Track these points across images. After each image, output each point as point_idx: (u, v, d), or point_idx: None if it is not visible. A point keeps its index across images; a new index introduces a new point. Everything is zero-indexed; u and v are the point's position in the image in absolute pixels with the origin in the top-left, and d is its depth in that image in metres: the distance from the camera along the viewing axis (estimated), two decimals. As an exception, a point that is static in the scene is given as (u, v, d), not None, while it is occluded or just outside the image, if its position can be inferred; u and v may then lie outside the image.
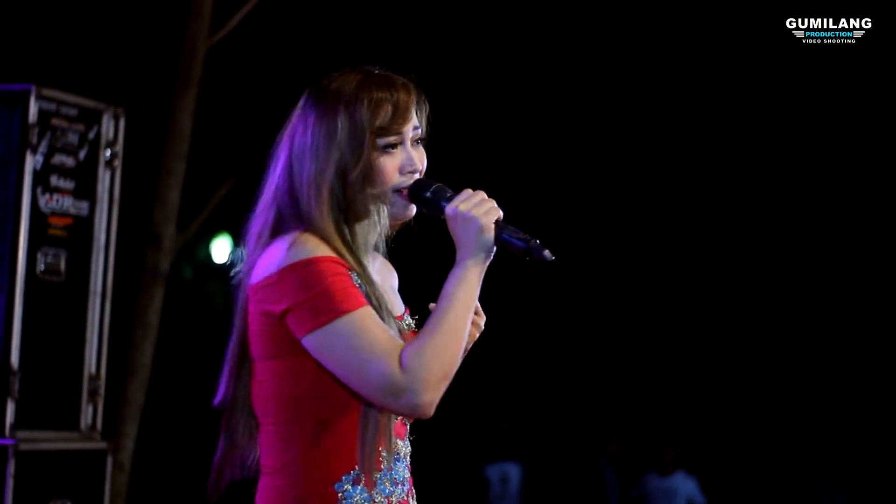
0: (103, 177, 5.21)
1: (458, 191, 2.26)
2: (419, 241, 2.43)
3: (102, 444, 5.15)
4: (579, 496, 11.41)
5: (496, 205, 2.20)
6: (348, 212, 2.24)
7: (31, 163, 4.89)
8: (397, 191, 2.27)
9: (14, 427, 4.82)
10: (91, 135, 5.15)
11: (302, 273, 2.14)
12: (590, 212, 12.89)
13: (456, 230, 2.20)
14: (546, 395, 12.72)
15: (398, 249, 2.41)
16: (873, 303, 12.86)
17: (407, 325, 2.35)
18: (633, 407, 13.24)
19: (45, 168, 4.96)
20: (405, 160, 2.26)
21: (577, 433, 11.86)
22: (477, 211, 2.18)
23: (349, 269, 2.18)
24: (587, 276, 13.37)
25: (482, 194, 2.22)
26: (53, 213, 5.01)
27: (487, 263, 2.19)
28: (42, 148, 4.94)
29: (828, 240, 12.84)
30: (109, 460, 5.16)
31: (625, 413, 12.84)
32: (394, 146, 2.25)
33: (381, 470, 2.22)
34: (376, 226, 2.29)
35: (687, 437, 11.20)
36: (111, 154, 5.22)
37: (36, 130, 4.91)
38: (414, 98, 2.28)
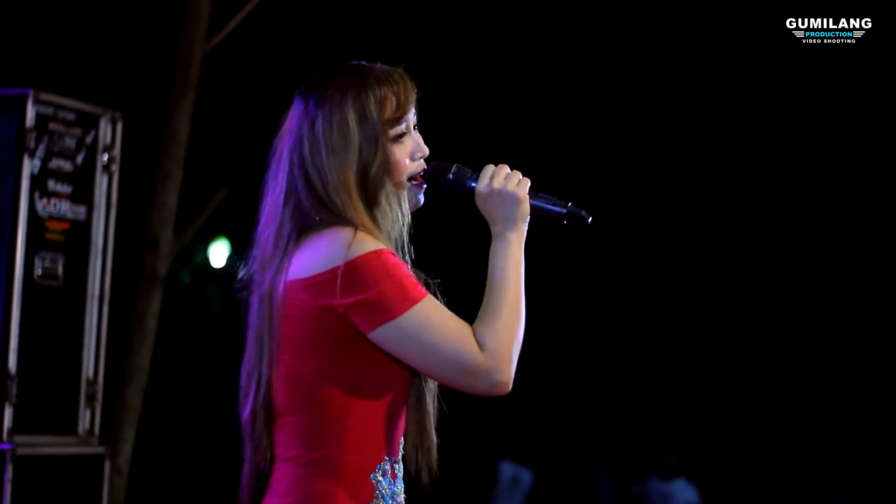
0: (101, 181, 5.21)
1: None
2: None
3: (100, 449, 5.15)
4: (570, 499, 11.41)
5: (522, 175, 2.26)
6: (374, 207, 2.26)
7: (28, 167, 4.89)
8: (412, 178, 2.31)
9: (12, 432, 4.83)
10: (88, 139, 5.16)
11: (367, 267, 2.15)
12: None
13: (490, 207, 2.25)
14: (547, 398, 12.70)
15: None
16: (873, 306, 12.85)
17: None
18: (632, 411, 13.24)
19: (43, 172, 4.96)
20: (414, 147, 2.31)
21: (576, 437, 11.87)
22: (510, 184, 2.24)
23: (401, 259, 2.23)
24: (591, 277, 13.37)
25: (506, 168, 2.28)
26: (51, 218, 5.01)
27: (524, 233, 2.24)
28: (39, 152, 4.94)
29: (828, 240, 12.83)
30: (107, 465, 5.15)
31: (623, 417, 12.84)
32: (402, 135, 2.29)
33: (399, 461, 2.28)
34: (398, 217, 2.30)
35: (687, 441, 11.20)
36: (108, 158, 5.22)
37: (33, 135, 4.91)
38: (410, 85, 2.32)
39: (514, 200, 2.23)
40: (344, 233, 2.19)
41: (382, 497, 2.22)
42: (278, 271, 2.25)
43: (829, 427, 13.09)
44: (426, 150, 2.32)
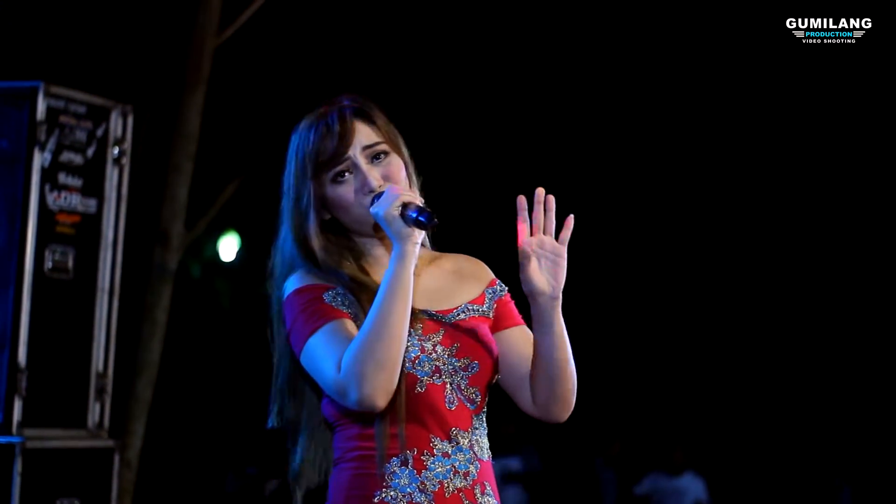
0: (111, 174, 5.20)
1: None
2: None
3: (110, 442, 5.15)
4: (575, 496, 11.41)
5: (409, 192, 2.29)
6: (313, 244, 2.40)
7: (39, 160, 4.89)
8: (367, 210, 2.38)
9: (21, 425, 4.82)
10: (99, 132, 5.15)
11: (288, 304, 2.36)
12: (590, 212, 12.88)
13: (382, 227, 2.32)
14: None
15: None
16: (879, 302, 12.85)
17: (465, 313, 2.43)
18: (638, 407, 13.23)
19: (53, 165, 4.96)
20: (358, 184, 2.38)
21: (581, 434, 11.85)
22: (381, 205, 2.29)
23: (327, 290, 2.34)
24: (595, 271, 13.36)
25: (392, 187, 2.32)
26: (61, 211, 5.01)
27: (411, 249, 2.27)
28: (50, 145, 4.94)
29: (830, 239, 12.83)
30: (117, 458, 5.15)
31: (629, 414, 12.83)
32: (342, 174, 2.38)
33: (433, 455, 2.31)
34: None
35: (692, 437, 11.19)
36: (119, 152, 5.21)
37: (44, 128, 4.91)
38: (348, 118, 2.40)
39: (385, 219, 2.28)
40: (295, 273, 2.39)
41: (396, 486, 2.29)
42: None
43: (836, 419, 13.09)
44: (373, 185, 2.36)
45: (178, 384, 10.88)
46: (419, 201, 2.28)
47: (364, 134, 2.39)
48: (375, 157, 2.39)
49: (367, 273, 2.41)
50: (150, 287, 6.42)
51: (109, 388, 5.17)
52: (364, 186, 2.36)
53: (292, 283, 2.37)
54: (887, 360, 12.73)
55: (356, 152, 2.37)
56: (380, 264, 2.42)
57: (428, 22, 10.13)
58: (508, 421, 10.27)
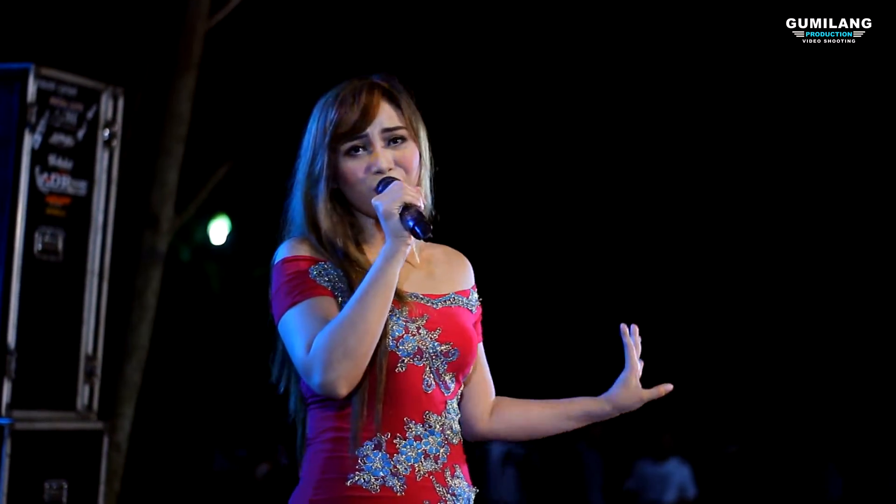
0: (101, 157, 5.20)
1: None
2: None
3: (99, 425, 5.15)
4: (561, 480, 11.41)
5: (411, 192, 2.30)
6: (315, 211, 2.43)
7: (29, 142, 4.89)
8: (374, 189, 2.39)
9: (10, 407, 4.83)
10: (90, 114, 5.15)
11: (275, 272, 2.39)
12: (581, 206, 12.92)
13: (380, 220, 2.33)
14: (540, 379, 12.73)
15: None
16: (870, 292, 12.89)
17: (452, 301, 2.46)
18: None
19: (44, 147, 4.96)
20: (369, 163, 2.40)
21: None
22: (383, 198, 2.30)
23: (315, 263, 2.36)
24: (582, 259, 13.38)
25: (398, 183, 2.33)
26: (51, 193, 5.01)
27: (400, 247, 2.29)
28: (40, 127, 4.94)
29: (823, 234, 12.87)
30: (105, 441, 5.16)
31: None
32: (357, 149, 2.40)
33: (406, 439, 2.34)
34: (346, 219, 2.45)
35: (682, 422, 11.22)
36: (109, 134, 5.21)
37: (34, 110, 4.90)
38: (376, 95, 2.42)
39: (383, 213, 2.29)
40: (288, 239, 2.43)
41: (369, 469, 2.31)
42: None
43: (828, 407, 13.13)
44: (385, 167, 2.39)
45: (168, 367, 10.88)
46: (420, 205, 2.30)
47: (387, 115, 2.41)
48: (393, 141, 2.41)
49: (362, 251, 2.43)
50: (140, 270, 6.42)
51: (99, 370, 5.18)
52: (373, 166, 2.38)
53: (283, 251, 2.39)
54: (879, 346, 12.78)
55: (375, 131, 2.40)
56: (376, 243, 2.44)
57: (421, 7, 10.11)
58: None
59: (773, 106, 11.65)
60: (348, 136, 2.39)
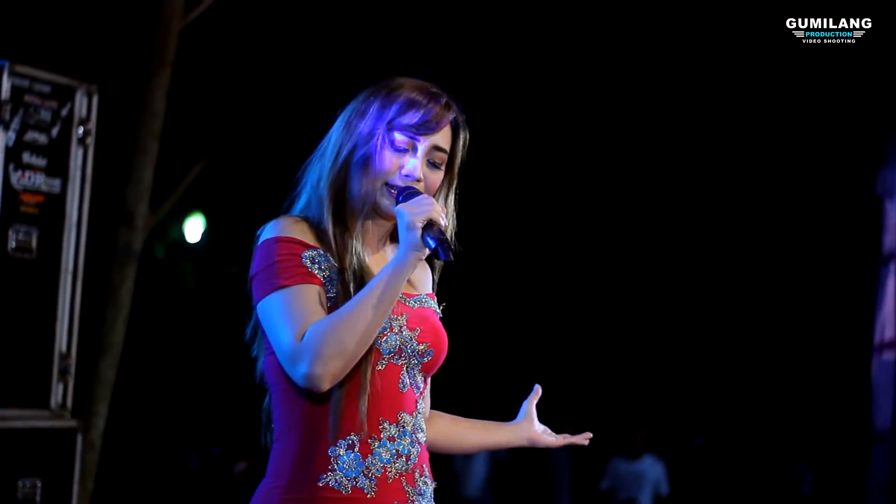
0: (76, 154, 5.19)
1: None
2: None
3: (73, 423, 5.14)
4: (529, 477, 11.42)
5: (439, 211, 2.30)
6: (346, 193, 2.41)
7: (2, 139, 4.87)
8: (389, 185, 2.39)
9: (-16, 404, 4.81)
10: (64, 112, 5.13)
11: (261, 250, 2.36)
12: (574, 206, 12.93)
13: (398, 225, 2.32)
14: (516, 378, 12.74)
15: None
16: (841, 290, 12.94)
17: (424, 302, 2.48)
18: (595, 389, 13.28)
19: (18, 145, 4.94)
20: (410, 166, 2.39)
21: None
22: (410, 208, 2.29)
23: (308, 249, 2.34)
24: (564, 261, 13.40)
25: (428, 198, 2.32)
26: (25, 191, 4.99)
27: (413, 260, 2.29)
28: (14, 124, 4.92)
29: (827, 237, 12.93)
30: (80, 439, 5.15)
31: (584, 395, 12.87)
32: (403, 147, 2.40)
33: (380, 439, 2.33)
34: (377, 216, 2.44)
35: (656, 418, 11.24)
36: (84, 132, 5.20)
37: (8, 107, 4.89)
38: (447, 117, 2.43)
39: (405, 224, 2.29)
40: (281, 218, 2.40)
41: (341, 470, 2.30)
42: None
43: (801, 404, 13.19)
44: (418, 176, 2.39)
45: (143, 365, 10.85)
46: (442, 225, 2.30)
47: (444, 138, 2.43)
48: (431, 162, 2.42)
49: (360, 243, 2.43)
50: (115, 268, 6.40)
51: (73, 368, 5.16)
52: (404, 168, 2.39)
53: (276, 229, 2.37)
54: (851, 345, 12.83)
55: (426, 144, 2.41)
56: (371, 238, 2.45)
57: (416, 6, 10.08)
58: (475, 401, 10.32)
59: (773, 106, 11.68)
60: (405, 128, 2.39)
